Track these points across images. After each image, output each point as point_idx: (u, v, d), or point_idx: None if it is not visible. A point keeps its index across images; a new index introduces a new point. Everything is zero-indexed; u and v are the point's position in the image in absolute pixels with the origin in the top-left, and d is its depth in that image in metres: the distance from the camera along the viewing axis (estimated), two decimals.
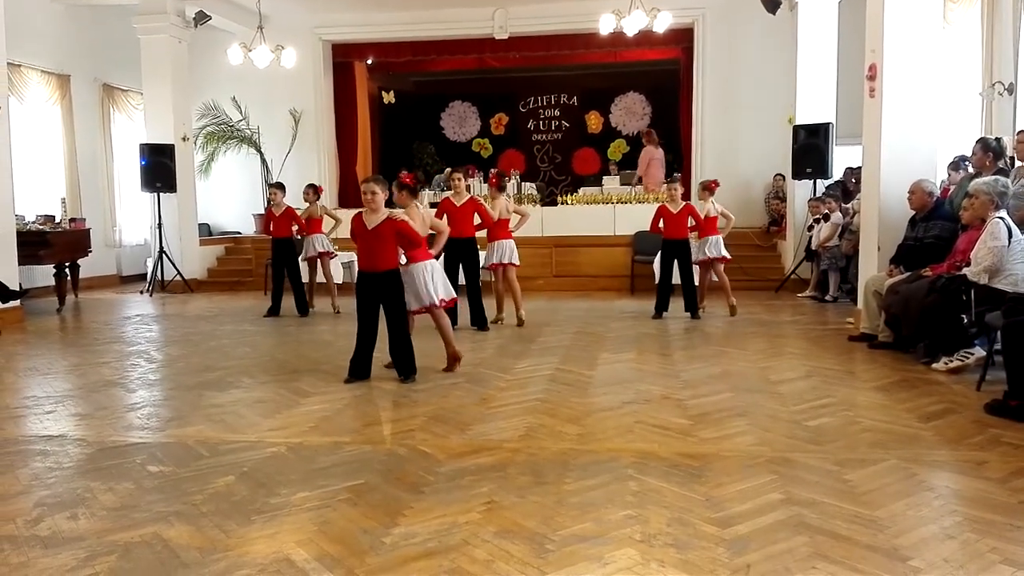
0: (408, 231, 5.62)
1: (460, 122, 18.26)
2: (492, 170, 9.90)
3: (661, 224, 8.52)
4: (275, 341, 7.64)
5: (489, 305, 8.09)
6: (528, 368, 6.06)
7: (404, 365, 5.63)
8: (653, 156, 13.44)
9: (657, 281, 9.01)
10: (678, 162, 15.17)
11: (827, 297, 9.83)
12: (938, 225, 6.53)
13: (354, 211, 5.99)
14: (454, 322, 7.92)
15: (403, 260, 5.78)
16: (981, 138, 6.95)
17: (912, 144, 7.01)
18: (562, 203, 12.62)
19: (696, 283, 8.65)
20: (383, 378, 5.68)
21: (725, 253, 8.67)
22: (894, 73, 6.98)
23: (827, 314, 8.87)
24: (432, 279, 5.83)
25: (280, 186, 9.41)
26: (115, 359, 6.75)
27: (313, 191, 9.49)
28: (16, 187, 9.51)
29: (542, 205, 12.97)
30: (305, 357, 6.66)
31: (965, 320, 5.47)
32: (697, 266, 8.67)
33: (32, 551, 2.91)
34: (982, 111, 8.61)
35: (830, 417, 4.57)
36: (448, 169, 10.81)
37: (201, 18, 12.31)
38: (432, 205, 11.90)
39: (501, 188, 8.25)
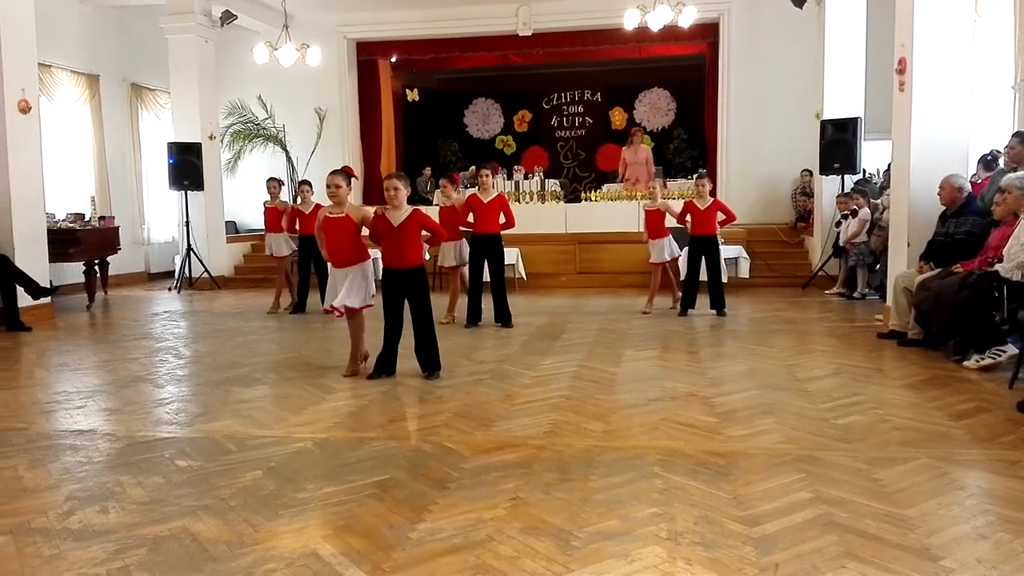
0: (432, 224, 5.66)
1: (484, 119, 18.25)
2: (451, 173, 10.18)
3: (688, 219, 8.48)
4: (301, 337, 7.68)
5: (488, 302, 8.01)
6: (553, 365, 6.05)
7: (429, 361, 5.64)
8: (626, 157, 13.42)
9: (683, 277, 8.99)
10: (703, 158, 15.07)
11: (855, 294, 9.72)
12: (969, 221, 6.44)
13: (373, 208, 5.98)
14: (478, 318, 7.94)
15: (427, 256, 5.80)
16: (1019, 131, 6.82)
17: (942, 139, 6.92)
18: (586, 200, 12.59)
19: (656, 281, 8.90)
20: (408, 374, 5.70)
21: (677, 253, 8.92)
22: (924, 67, 6.88)
23: (855, 311, 8.76)
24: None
25: (308, 184, 9.46)
26: (144, 355, 6.83)
27: (277, 184, 9.40)
28: (47, 186, 9.66)
29: (566, 202, 12.96)
30: (331, 353, 6.69)
31: (997, 317, 5.39)
32: (659, 265, 8.83)
33: (63, 544, 2.95)
34: (1014, 105, 8.45)
35: (859, 415, 4.51)
36: (473, 167, 10.82)
37: (227, 18, 12.43)
38: None
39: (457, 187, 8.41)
